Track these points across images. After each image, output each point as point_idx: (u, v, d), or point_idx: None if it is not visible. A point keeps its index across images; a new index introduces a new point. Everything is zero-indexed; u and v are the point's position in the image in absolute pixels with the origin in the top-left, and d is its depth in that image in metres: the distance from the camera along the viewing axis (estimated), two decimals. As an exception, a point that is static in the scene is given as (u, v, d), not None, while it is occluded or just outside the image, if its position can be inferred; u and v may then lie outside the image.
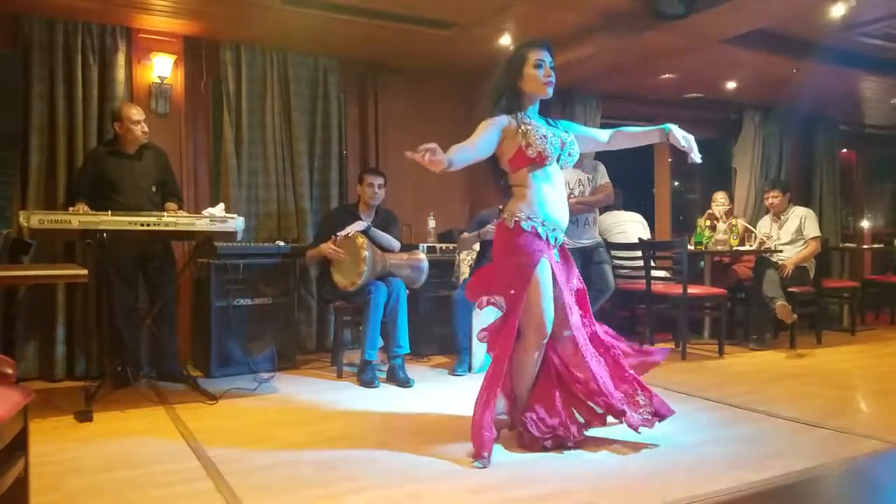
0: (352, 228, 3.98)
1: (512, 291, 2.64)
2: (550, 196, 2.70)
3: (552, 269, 2.69)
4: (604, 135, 2.94)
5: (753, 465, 2.45)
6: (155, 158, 4.01)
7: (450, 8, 4.20)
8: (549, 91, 2.73)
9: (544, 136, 2.66)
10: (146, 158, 3.95)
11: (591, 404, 2.76)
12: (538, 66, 2.71)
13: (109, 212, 3.21)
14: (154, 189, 3.97)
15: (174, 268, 4.07)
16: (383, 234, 4.16)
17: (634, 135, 2.94)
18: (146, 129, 3.88)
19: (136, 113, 3.83)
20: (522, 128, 2.66)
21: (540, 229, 2.65)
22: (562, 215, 2.75)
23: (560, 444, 2.66)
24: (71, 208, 3.51)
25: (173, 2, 4.01)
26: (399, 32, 4.55)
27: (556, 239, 2.73)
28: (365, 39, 4.71)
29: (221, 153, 4.67)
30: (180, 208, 3.99)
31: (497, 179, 2.82)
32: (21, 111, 4.07)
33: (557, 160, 2.73)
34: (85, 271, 2.52)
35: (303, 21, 4.27)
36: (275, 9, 4.08)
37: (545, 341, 2.69)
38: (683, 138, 2.79)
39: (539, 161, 2.66)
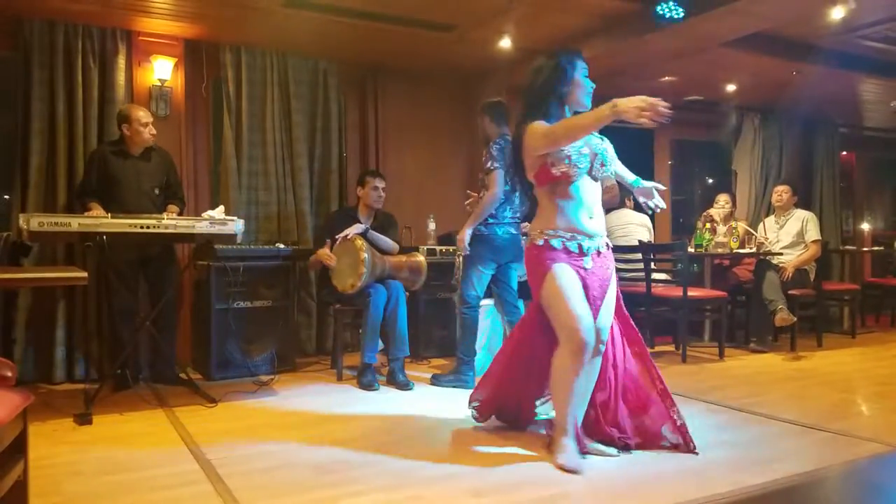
0: (350, 231, 3.98)
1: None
2: (570, 210, 2.54)
3: (580, 276, 2.53)
4: None
5: (754, 468, 2.45)
6: (160, 160, 4.01)
7: (450, 10, 4.20)
8: (589, 102, 2.62)
9: (569, 156, 2.50)
10: (151, 160, 3.95)
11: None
12: (586, 75, 2.60)
13: (109, 214, 3.21)
14: (157, 191, 3.97)
15: (174, 270, 4.06)
16: (382, 236, 4.16)
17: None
18: (154, 131, 3.90)
19: (144, 115, 3.86)
20: None
21: (554, 241, 2.52)
22: (589, 225, 2.57)
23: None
24: (86, 210, 3.51)
25: (173, 5, 4.02)
26: (399, 35, 4.56)
27: (579, 247, 2.54)
28: (365, 42, 4.71)
29: (221, 155, 4.67)
30: (181, 211, 4.00)
31: (526, 189, 2.75)
32: (21, 114, 4.07)
33: (589, 173, 2.58)
34: (84, 274, 2.51)
35: (303, 23, 4.27)
36: (275, 11, 4.08)
37: (585, 349, 2.45)
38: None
39: (564, 179, 2.52)
